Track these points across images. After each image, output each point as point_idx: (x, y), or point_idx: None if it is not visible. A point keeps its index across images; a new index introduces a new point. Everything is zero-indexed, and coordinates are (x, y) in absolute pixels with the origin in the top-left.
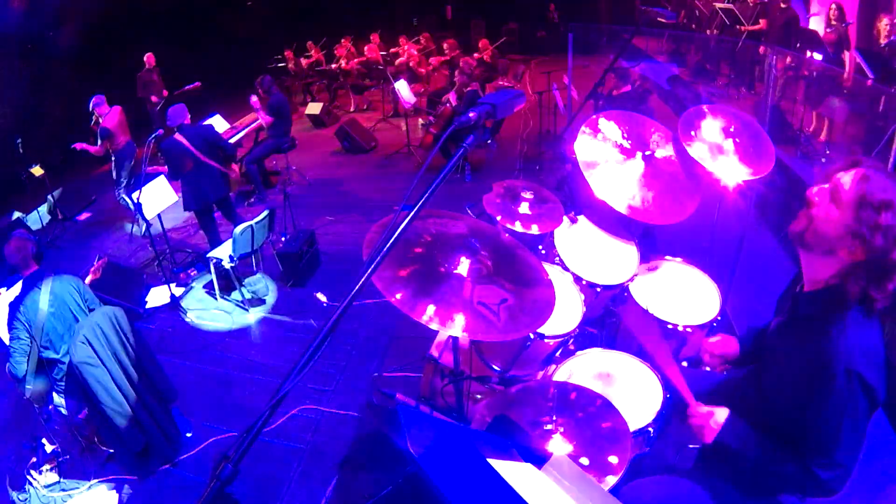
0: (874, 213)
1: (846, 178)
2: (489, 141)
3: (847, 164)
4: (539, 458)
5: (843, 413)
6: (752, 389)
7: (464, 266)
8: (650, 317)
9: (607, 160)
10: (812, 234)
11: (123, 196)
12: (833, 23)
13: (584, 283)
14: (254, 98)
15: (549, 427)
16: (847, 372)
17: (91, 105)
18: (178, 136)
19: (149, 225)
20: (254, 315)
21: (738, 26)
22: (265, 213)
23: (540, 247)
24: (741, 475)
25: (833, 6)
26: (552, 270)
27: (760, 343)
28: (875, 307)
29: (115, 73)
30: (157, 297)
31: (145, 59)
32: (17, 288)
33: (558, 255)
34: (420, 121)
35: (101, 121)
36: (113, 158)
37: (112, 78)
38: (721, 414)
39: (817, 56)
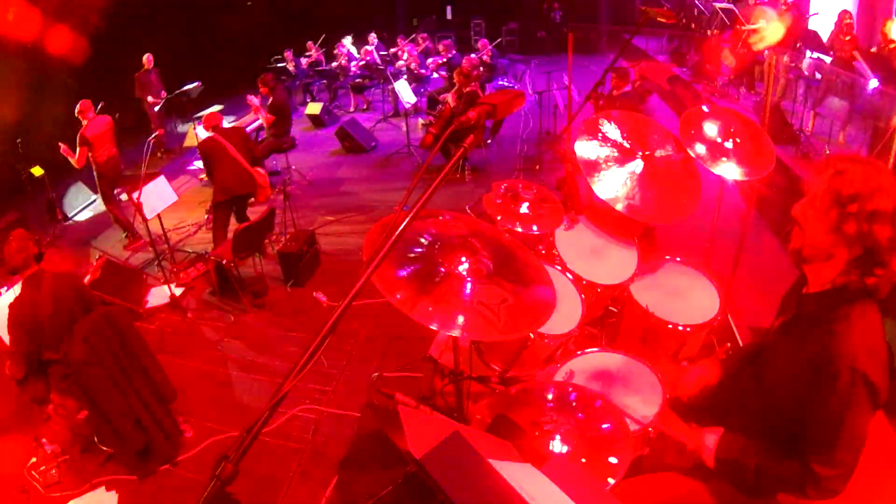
0: (849, 206)
1: (819, 182)
2: (489, 141)
3: (819, 168)
4: (539, 458)
5: (845, 411)
6: (752, 386)
7: (464, 266)
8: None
9: (607, 160)
10: (808, 248)
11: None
12: (847, 33)
13: (584, 283)
14: (251, 97)
15: (549, 427)
16: (851, 370)
17: (76, 111)
18: (214, 135)
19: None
20: (254, 315)
21: (738, 26)
22: (265, 213)
23: (540, 247)
24: (743, 479)
25: (847, 17)
26: (552, 270)
27: (760, 342)
28: (881, 294)
29: (114, 73)
30: (157, 297)
31: (144, 59)
32: (17, 288)
33: (558, 255)
34: (420, 121)
35: (81, 132)
36: (95, 174)
37: (112, 78)
38: (710, 438)
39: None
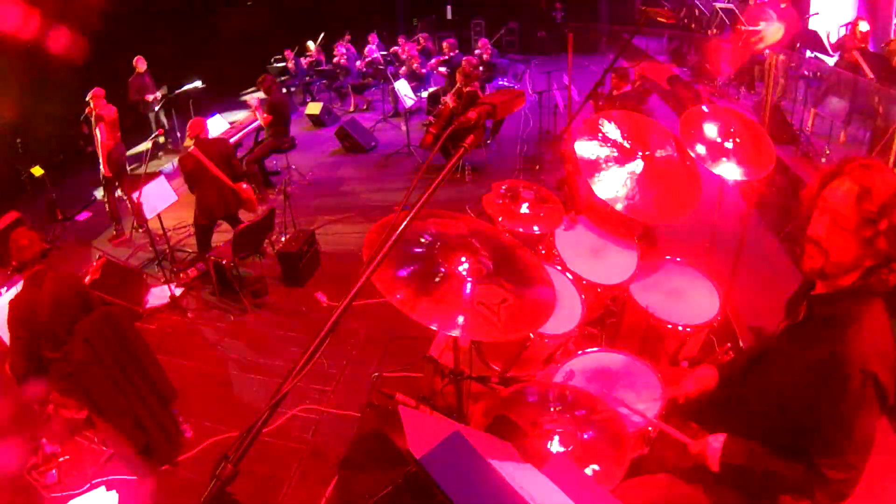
0: (881, 223)
1: (841, 196)
2: (489, 141)
3: (828, 177)
4: (539, 458)
5: (856, 413)
6: (756, 388)
7: (464, 266)
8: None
9: (607, 160)
10: (833, 266)
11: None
12: (863, 40)
13: (584, 283)
14: (250, 98)
15: (549, 427)
16: (863, 373)
17: (89, 95)
18: (193, 150)
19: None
20: (254, 315)
21: (738, 26)
22: (265, 213)
23: (540, 247)
24: (749, 483)
25: (862, 24)
26: (552, 270)
27: (764, 344)
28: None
29: (114, 73)
30: (157, 297)
31: (135, 62)
32: (18, 287)
33: (558, 255)
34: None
35: (95, 111)
36: (102, 157)
37: (112, 78)
38: (715, 441)
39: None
